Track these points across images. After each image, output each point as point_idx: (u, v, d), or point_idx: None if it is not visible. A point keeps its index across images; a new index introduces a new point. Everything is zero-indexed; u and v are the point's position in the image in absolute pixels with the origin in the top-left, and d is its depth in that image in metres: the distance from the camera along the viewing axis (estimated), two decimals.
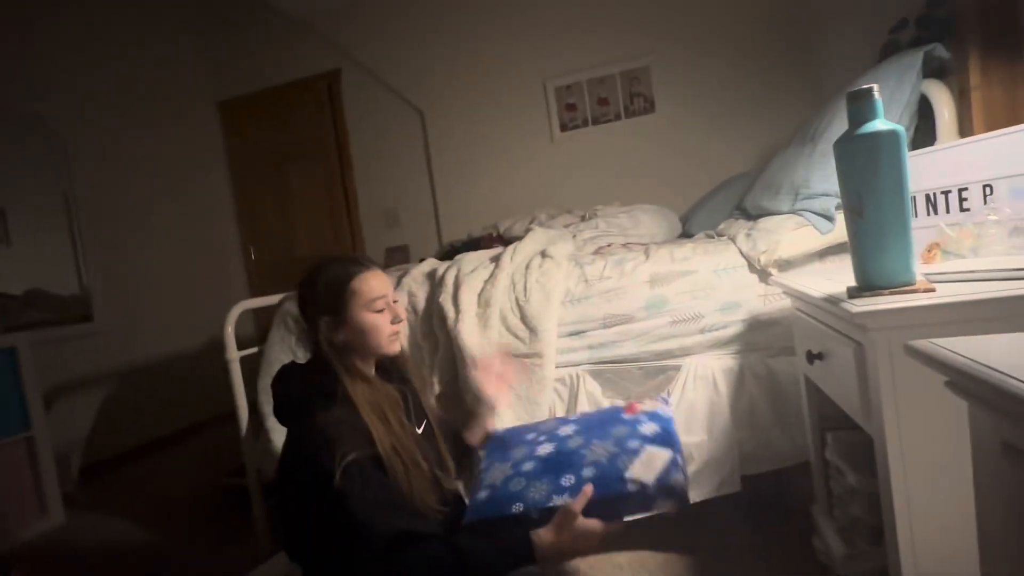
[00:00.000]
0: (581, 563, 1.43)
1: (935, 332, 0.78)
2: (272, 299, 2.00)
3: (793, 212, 1.52)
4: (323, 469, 0.92)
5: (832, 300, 0.89)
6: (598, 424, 1.13)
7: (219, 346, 1.83)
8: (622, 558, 1.48)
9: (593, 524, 0.93)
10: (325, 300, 1.09)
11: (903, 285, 0.84)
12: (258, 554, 1.71)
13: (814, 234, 1.45)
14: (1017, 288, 0.75)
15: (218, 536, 1.95)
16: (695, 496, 1.47)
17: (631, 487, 0.96)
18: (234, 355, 1.80)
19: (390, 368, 1.20)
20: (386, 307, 1.10)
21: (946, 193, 1.16)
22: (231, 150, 3.99)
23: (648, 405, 1.19)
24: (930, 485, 0.80)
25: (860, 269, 0.88)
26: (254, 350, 1.88)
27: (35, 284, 2.83)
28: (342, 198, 3.75)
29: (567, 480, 0.99)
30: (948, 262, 1.04)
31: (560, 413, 1.58)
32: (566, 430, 1.13)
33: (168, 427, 3.24)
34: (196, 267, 3.65)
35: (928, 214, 1.20)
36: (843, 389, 0.97)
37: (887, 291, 0.84)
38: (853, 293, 0.87)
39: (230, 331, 1.80)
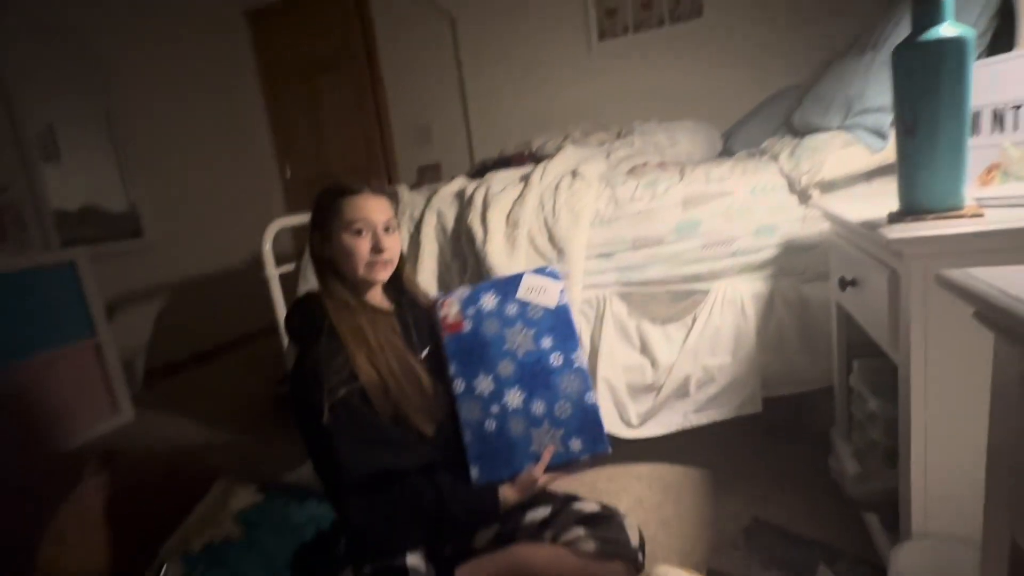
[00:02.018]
0: (599, 476, 1.51)
1: (978, 260, 0.75)
2: (307, 217, 2.03)
3: (843, 129, 1.42)
4: (313, 406, 0.95)
5: (869, 226, 0.85)
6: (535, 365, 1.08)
7: (261, 262, 1.91)
8: (642, 469, 1.55)
9: (543, 479, 1.00)
10: (315, 215, 1.10)
11: (950, 209, 0.79)
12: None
13: (863, 153, 1.36)
14: None
15: (268, 437, 2.13)
16: (716, 415, 1.51)
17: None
18: (272, 272, 1.87)
19: (398, 292, 1.20)
20: (367, 233, 1.07)
21: (1017, 108, 1.05)
22: (262, 64, 3.93)
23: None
24: (948, 414, 0.80)
25: (905, 191, 0.83)
26: (291, 267, 1.95)
27: (88, 201, 2.96)
28: (374, 114, 3.69)
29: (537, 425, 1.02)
30: (1007, 185, 0.97)
31: (586, 335, 1.61)
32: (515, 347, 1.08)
33: (222, 337, 3.47)
34: (235, 184, 3.73)
35: (993, 131, 1.10)
36: (874, 316, 0.95)
37: (931, 216, 0.79)
38: (894, 218, 0.83)
39: (268, 249, 1.86)
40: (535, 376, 1.05)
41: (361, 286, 1.11)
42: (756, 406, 1.45)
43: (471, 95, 3.36)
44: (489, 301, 1.10)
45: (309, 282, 1.87)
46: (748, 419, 1.49)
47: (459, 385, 1.06)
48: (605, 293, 1.60)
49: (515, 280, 1.13)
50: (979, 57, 1.25)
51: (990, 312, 0.46)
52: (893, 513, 0.94)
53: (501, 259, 1.57)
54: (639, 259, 1.55)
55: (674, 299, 1.56)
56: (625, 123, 2.44)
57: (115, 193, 3.08)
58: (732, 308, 1.49)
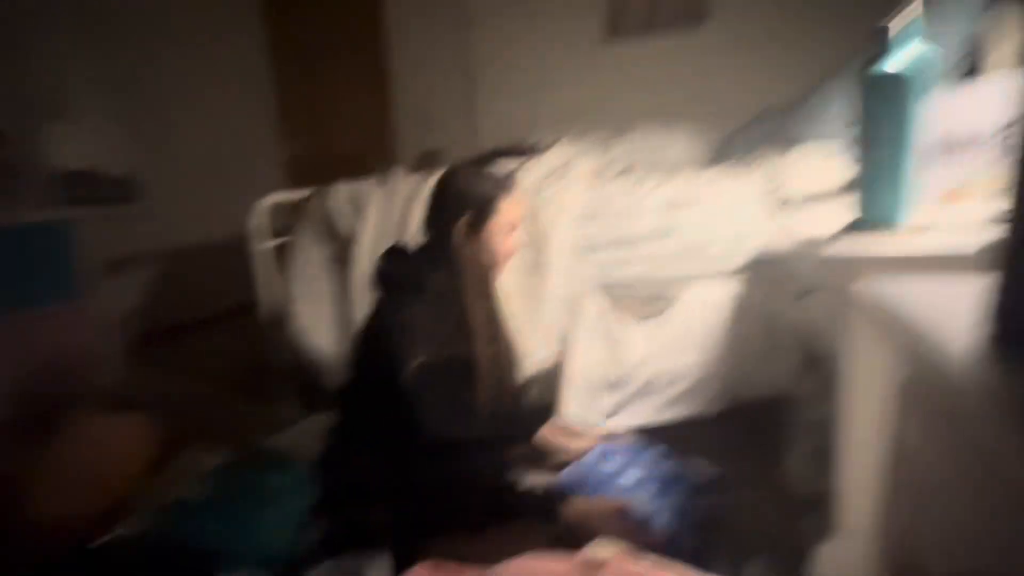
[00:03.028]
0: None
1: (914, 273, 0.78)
2: (302, 193, 2.07)
3: (826, 142, 1.45)
4: (397, 360, 0.98)
5: (821, 239, 0.89)
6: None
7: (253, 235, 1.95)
8: None
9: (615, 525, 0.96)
10: (472, 206, 1.10)
11: (897, 225, 0.83)
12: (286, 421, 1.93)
13: (841, 168, 1.39)
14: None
15: (252, 405, 2.18)
16: (679, 413, 1.55)
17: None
18: (259, 247, 1.91)
19: None
20: (513, 233, 1.13)
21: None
22: (271, 41, 3.95)
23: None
24: (875, 427, 0.84)
25: (858, 205, 0.87)
26: (279, 241, 1.99)
27: (88, 162, 2.99)
28: (378, 96, 3.72)
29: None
30: (963, 207, 1.00)
31: (558, 327, 1.65)
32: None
33: (215, 306, 3.51)
34: (234, 158, 3.76)
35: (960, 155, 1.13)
36: (824, 326, 0.99)
37: (878, 231, 0.83)
38: (843, 232, 0.87)
39: (255, 223, 1.90)
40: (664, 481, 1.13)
41: (483, 275, 1.14)
42: (716, 407, 1.50)
43: (479, 86, 3.38)
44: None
45: (300, 259, 1.91)
46: (712, 419, 1.54)
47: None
48: (583, 288, 1.64)
49: None
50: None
51: (885, 325, 0.50)
52: (827, 515, 0.99)
53: None
54: (619, 256, 1.59)
55: (649, 299, 1.60)
56: (626, 123, 2.47)
57: (114, 155, 3.11)
58: (703, 311, 1.53)
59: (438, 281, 1.08)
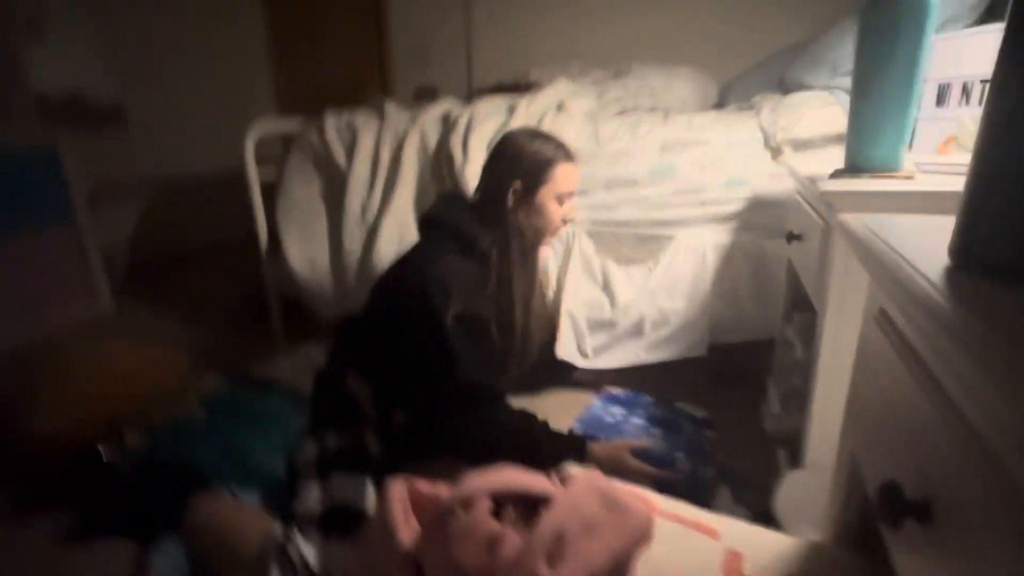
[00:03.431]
0: (550, 399, 1.60)
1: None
2: (292, 122, 2.02)
3: (826, 88, 1.43)
4: (431, 309, 1.00)
5: (812, 179, 0.89)
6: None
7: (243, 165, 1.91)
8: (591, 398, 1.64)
9: (636, 463, 1.07)
10: (526, 169, 1.11)
11: (887, 170, 0.83)
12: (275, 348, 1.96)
13: (840, 115, 1.37)
14: None
15: (244, 337, 2.20)
16: (665, 355, 1.59)
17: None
18: (253, 175, 1.88)
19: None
20: (567, 203, 1.13)
21: (984, 83, 1.07)
22: None
23: None
24: (849, 365, 0.86)
25: (850, 149, 0.86)
26: (272, 170, 1.96)
27: (72, 87, 2.88)
28: (375, 29, 3.57)
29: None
30: (956, 155, 1.00)
31: (552, 268, 1.66)
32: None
33: (205, 239, 3.48)
34: (226, 85, 3.63)
35: (961, 104, 1.12)
36: (808, 268, 1.00)
37: (867, 174, 0.83)
38: (835, 174, 0.87)
39: (249, 151, 1.86)
40: (665, 423, 1.28)
41: (532, 241, 1.16)
42: (703, 350, 1.53)
43: (475, 21, 3.24)
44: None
45: (292, 191, 1.88)
46: (696, 362, 1.58)
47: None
48: (575, 229, 1.64)
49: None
50: (968, 27, 1.25)
51: (860, 251, 0.51)
52: (796, 450, 1.03)
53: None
54: (612, 199, 1.58)
55: (640, 242, 1.60)
56: (624, 63, 2.40)
57: (101, 80, 3.00)
58: (694, 256, 1.54)
59: (485, 240, 1.09)
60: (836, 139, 1.38)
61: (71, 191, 2.40)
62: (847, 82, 1.37)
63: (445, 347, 1.02)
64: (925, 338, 0.35)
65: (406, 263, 1.15)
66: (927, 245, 0.44)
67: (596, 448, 1.08)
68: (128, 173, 3.09)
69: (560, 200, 1.13)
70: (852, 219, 0.55)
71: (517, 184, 1.11)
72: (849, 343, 0.86)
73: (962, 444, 0.32)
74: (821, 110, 1.38)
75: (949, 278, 0.35)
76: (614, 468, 1.04)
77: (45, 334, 2.25)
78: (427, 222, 1.16)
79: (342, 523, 0.93)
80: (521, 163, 1.12)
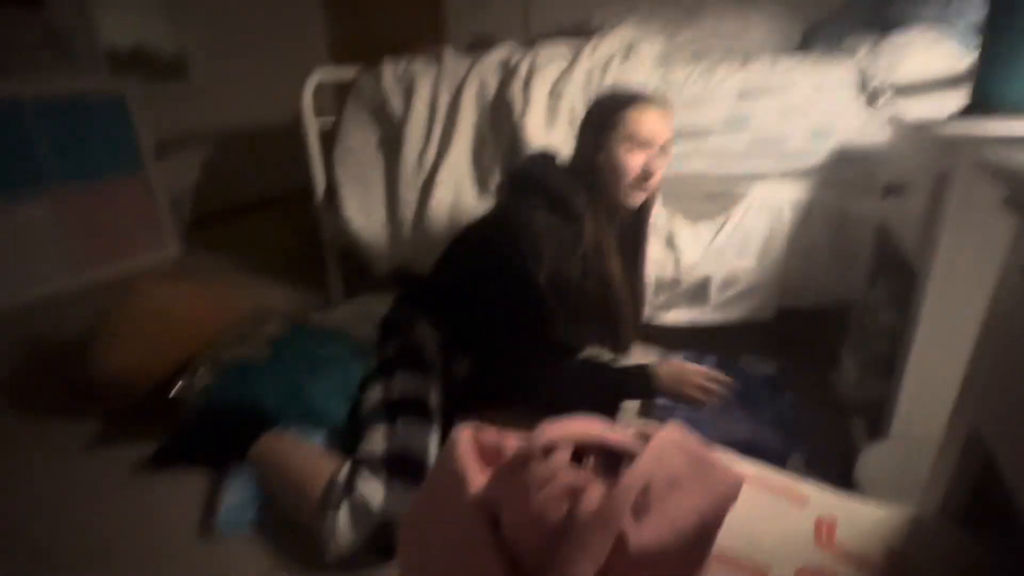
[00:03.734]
0: None
1: None
2: (348, 72, 1.99)
3: (936, 22, 1.27)
4: (517, 262, 1.01)
5: (927, 122, 0.78)
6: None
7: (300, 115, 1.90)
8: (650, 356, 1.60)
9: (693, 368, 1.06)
10: (596, 116, 1.09)
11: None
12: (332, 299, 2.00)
13: (954, 53, 1.22)
14: None
15: (305, 284, 2.25)
16: (730, 316, 1.51)
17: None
18: (311, 123, 1.87)
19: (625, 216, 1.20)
20: (645, 151, 1.05)
21: None
22: None
23: None
24: (952, 328, 0.78)
25: (980, 84, 0.76)
26: (330, 120, 1.94)
27: (137, 40, 2.95)
28: None
29: None
30: None
31: None
32: None
33: (267, 190, 3.56)
34: (281, 38, 3.63)
35: None
36: (909, 224, 0.91)
37: (1001, 113, 0.72)
38: (960, 113, 0.77)
39: (307, 99, 1.85)
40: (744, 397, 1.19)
41: (614, 199, 1.11)
42: (770, 313, 1.45)
43: None
44: None
45: (349, 141, 1.87)
46: (760, 325, 1.50)
47: None
48: None
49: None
50: None
51: (1020, 189, 0.43)
52: (878, 419, 0.97)
53: (538, 131, 1.53)
54: (682, 149, 1.48)
55: (710, 197, 1.51)
56: (696, 2, 2.22)
57: (163, 34, 3.05)
58: (768, 214, 1.44)
59: (575, 201, 1.06)
60: (949, 81, 1.23)
61: (139, 140, 2.48)
62: (965, 13, 1.22)
63: (536, 302, 1.02)
64: None
65: (497, 217, 1.14)
66: None
67: (660, 371, 1.06)
68: (191, 125, 3.17)
69: (632, 146, 1.06)
70: (1005, 155, 0.47)
71: (589, 136, 1.09)
72: (958, 304, 0.78)
73: None
74: (931, 49, 1.23)
75: None
76: (678, 380, 1.05)
77: (117, 277, 2.37)
78: (515, 179, 1.13)
79: (406, 468, 0.94)
80: (596, 117, 1.09)
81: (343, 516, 0.91)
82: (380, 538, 0.90)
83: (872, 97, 1.28)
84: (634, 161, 1.06)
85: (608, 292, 1.12)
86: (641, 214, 1.23)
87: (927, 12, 1.30)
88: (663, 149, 1.08)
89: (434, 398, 1.06)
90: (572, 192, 1.06)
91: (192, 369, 1.24)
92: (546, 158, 1.15)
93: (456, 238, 1.22)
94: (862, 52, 1.34)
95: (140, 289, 1.53)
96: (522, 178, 1.12)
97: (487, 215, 1.19)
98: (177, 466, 1.19)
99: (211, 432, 1.16)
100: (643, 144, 1.06)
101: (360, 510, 0.91)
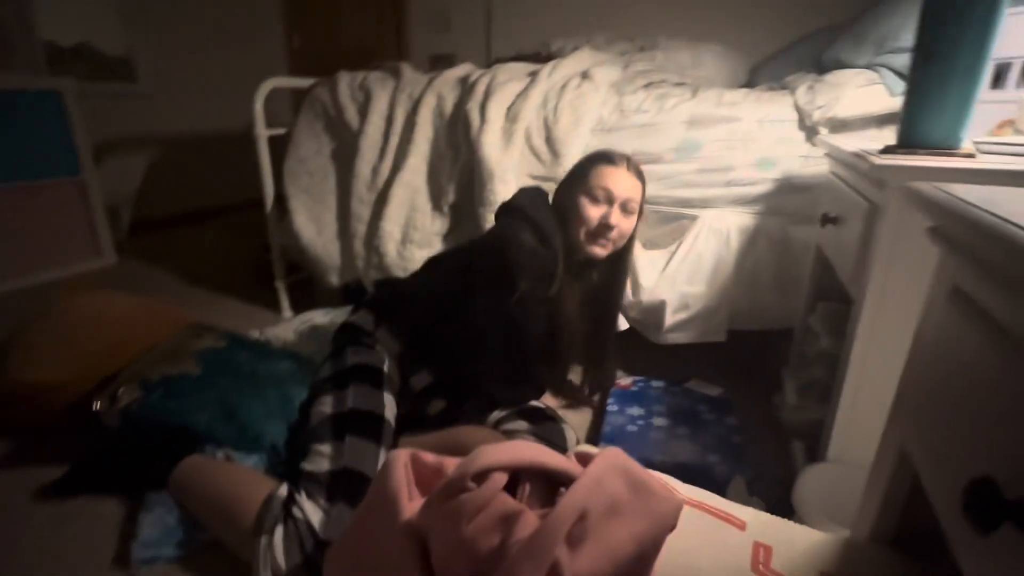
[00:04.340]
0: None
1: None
2: (303, 81, 1.95)
3: (869, 67, 1.35)
4: (498, 272, 1.05)
5: (861, 155, 0.82)
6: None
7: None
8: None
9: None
10: (576, 167, 1.20)
11: (946, 148, 0.77)
12: (278, 314, 1.92)
13: (882, 94, 1.30)
14: None
15: (245, 299, 2.16)
16: (682, 339, 1.53)
17: None
18: (262, 132, 1.82)
19: (609, 269, 1.28)
20: (604, 204, 1.14)
21: None
22: None
23: None
24: (886, 354, 0.81)
25: (906, 123, 0.80)
26: (282, 131, 1.89)
27: (81, 38, 2.81)
28: None
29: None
30: (1010, 137, 0.93)
31: None
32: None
33: (212, 200, 3.43)
34: (238, 45, 3.54)
35: (1018, 86, 1.04)
36: (844, 252, 0.94)
37: (923, 151, 0.76)
38: (887, 150, 0.80)
39: (259, 107, 1.80)
40: (687, 416, 1.26)
41: (576, 250, 1.17)
42: (721, 336, 1.48)
43: None
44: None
45: (302, 151, 1.82)
46: (707, 348, 1.53)
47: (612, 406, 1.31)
48: None
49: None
50: None
51: (944, 220, 0.45)
52: (816, 443, 0.99)
53: (494, 152, 1.53)
54: None
55: (661, 221, 1.54)
56: (650, 37, 2.31)
57: (111, 34, 2.92)
58: (716, 238, 1.47)
59: (556, 241, 1.12)
60: (878, 119, 1.31)
61: (76, 141, 2.35)
62: (894, 60, 1.30)
63: (503, 316, 1.06)
64: None
65: (484, 235, 1.21)
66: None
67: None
68: (138, 129, 3.03)
69: (590, 193, 1.13)
70: (928, 187, 0.49)
71: (565, 181, 1.20)
72: (889, 331, 0.81)
73: None
74: (862, 89, 1.30)
75: None
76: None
77: (46, 285, 2.22)
78: (507, 207, 1.19)
79: (349, 489, 0.89)
80: (576, 165, 1.21)
81: (278, 540, 0.85)
82: (317, 564, 0.85)
83: (811, 132, 1.35)
84: (592, 212, 1.13)
85: (556, 337, 1.17)
86: (614, 271, 1.29)
87: (861, 56, 1.38)
88: (624, 207, 1.15)
89: (389, 414, 1.02)
90: (552, 228, 1.12)
91: (114, 386, 1.15)
92: (538, 192, 1.21)
93: (441, 252, 1.28)
94: (801, 89, 1.41)
95: (66, 298, 1.43)
96: (513, 206, 1.17)
97: (472, 239, 1.25)
98: (85, 494, 1.09)
99: (128, 455, 1.08)
100: (602, 197, 1.13)
101: (297, 533, 0.85)
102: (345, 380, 1.04)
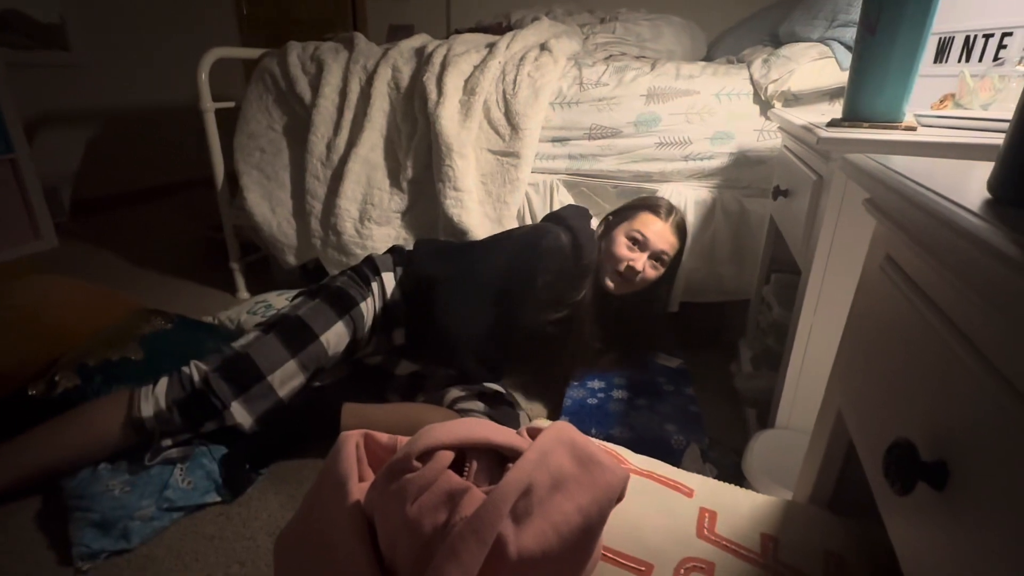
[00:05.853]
0: None
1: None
2: (252, 52, 1.86)
3: (821, 41, 1.36)
4: (534, 270, 1.12)
5: (808, 128, 0.83)
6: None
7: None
8: None
9: None
10: (625, 205, 1.30)
11: (888, 121, 0.78)
12: (234, 297, 1.87)
13: (834, 68, 1.31)
14: (989, 138, 0.69)
15: (195, 281, 2.08)
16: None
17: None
18: (208, 105, 1.73)
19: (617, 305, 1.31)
20: (638, 251, 1.20)
21: (988, 37, 1.02)
22: None
23: None
24: (832, 323, 0.84)
25: (850, 98, 0.81)
26: (230, 104, 1.81)
27: (11, 4, 2.61)
28: None
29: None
30: (951, 110, 0.96)
31: (528, 219, 1.59)
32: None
33: (158, 178, 3.28)
34: (183, 14, 3.35)
35: (960, 60, 1.07)
36: (794, 225, 0.96)
37: (867, 124, 0.78)
38: (832, 123, 0.82)
39: (204, 78, 1.70)
40: (646, 388, 1.29)
41: (604, 278, 1.23)
42: (673, 307, 1.50)
43: None
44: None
45: (250, 124, 1.75)
46: (670, 320, 1.55)
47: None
48: (553, 180, 1.57)
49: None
50: None
51: (876, 191, 0.46)
52: (767, 410, 1.02)
53: (452, 126, 1.50)
54: (593, 149, 1.51)
55: (620, 195, 1.54)
56: (611, 9, 2.28)
57: (45, 2, 2.72)
58: None
59: (590, 257, 1.19)
60: (830, 93, 1.33)
61: (7, 115, 2.19)
62: (845, 33, 1.31)
63: (527, 300, 1.13)
64: (961, 277, 0.31)
65: (523, 227, 1.33)
66: (952, 183, 0.39)
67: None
68: (74, 102, 2.85)
69: (629, 235, 1.21)
70: (863, 159, 0.50)
71: (611, 215, 1.30)
72: (834, 301, 0.84)
73: (991, 396, 0.27)
74: (815, 63, 1.32)
75: (993, 211, 0.30)
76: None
77: None
78: (551, 216, 1.29)
79: (237, 370, 1.00)
80: (626, 204, 1.31)
81: (160, 384, 0.97)
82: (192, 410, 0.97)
83: (765, 106, 1.36)
84: (624, 252, 1.20)
85: (563, 341, 1.23)
86: (640, 304, 1.34)
87: (814, 30, 1.40)
88: (656, 257, 1.22)
89: (330, 337, 1.08)
90: (589, 242, 1.18)
91: (52, 372, 1.10)
92: (581, 210, 1.29)
93: (459, 245, 1.33)
94: (757, 63, 1.42)
95: (4, 284, 1.35)
96: (557, 214, 1.26)
97: (527, 232, 1.28)
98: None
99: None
100: (639, 242, 1.21)
101: (179, 380, 0.98)
102: (317, 293, 1.13)
